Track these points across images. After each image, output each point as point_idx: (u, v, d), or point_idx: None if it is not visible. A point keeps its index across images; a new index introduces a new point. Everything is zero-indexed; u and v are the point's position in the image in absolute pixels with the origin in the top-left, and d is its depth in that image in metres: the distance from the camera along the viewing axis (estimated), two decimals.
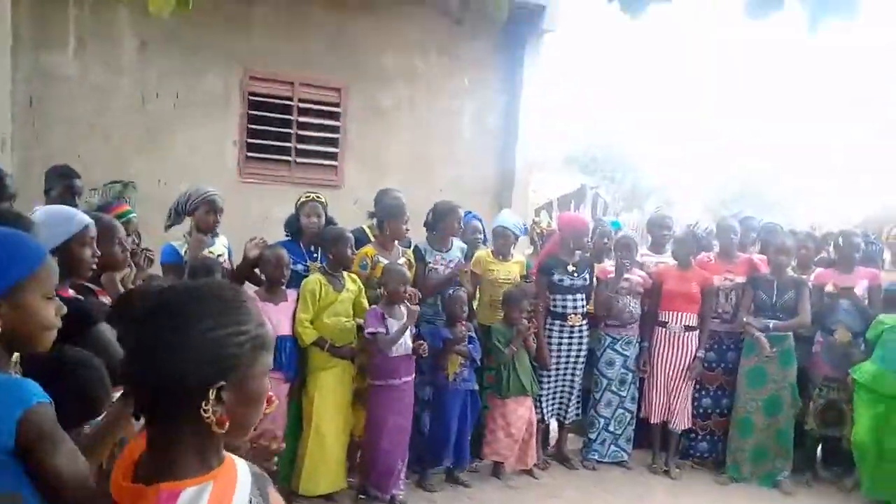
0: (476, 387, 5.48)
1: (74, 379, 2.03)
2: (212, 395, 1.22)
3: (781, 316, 5.83)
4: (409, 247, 5.64)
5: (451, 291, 5.41)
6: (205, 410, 1.22)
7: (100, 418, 2.13)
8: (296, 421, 4.97)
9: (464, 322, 5.33)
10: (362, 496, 5.07)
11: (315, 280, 4.92)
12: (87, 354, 2.18)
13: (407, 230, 5.54)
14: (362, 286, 5.17)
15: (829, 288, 6.03)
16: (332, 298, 4.94)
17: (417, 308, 4.97)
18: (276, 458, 1.43)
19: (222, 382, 1.23)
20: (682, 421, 6.04)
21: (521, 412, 5.58)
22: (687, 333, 5.99)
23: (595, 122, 23.75)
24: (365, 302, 5.14)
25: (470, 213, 6.14)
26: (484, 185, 8.29)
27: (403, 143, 8.04)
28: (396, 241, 5.49)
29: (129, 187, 4.72)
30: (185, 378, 1.21)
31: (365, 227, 5.68)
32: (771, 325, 5.79)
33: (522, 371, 5.60)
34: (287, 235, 5.24)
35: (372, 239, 5.54)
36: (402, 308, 4.98)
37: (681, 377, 6.00)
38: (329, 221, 5.26)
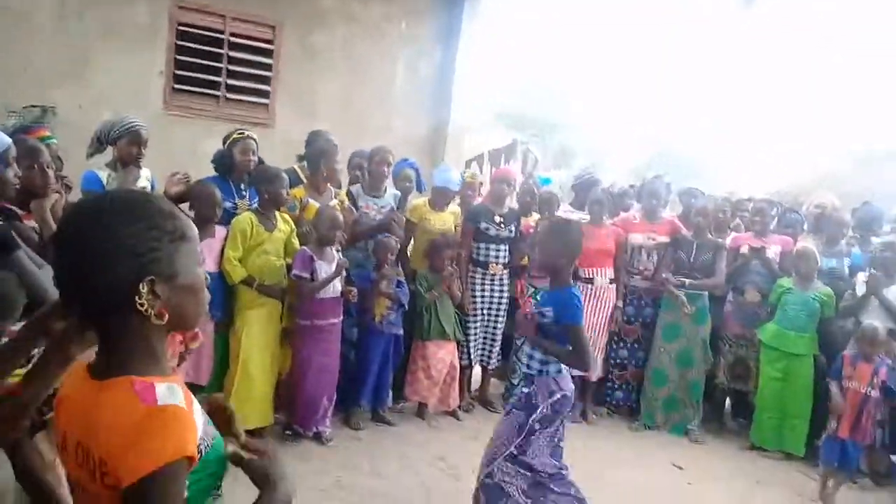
0: (401, 331, 5.55)
1: None
2: (143, 288, 1.28)
3: (698, 276, 6.09)
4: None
5: (380, 237, 5.43)
6: (140, 305, 1.28)
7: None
8: (223, 358, 4.93)
9: (389, 266, 5.40)
10: (288, 432, 5.10)
11: (246, 218, 4.84)
12: None
13: (339, 171, 5.50)
14: (294, 226, 5.11)
15: (743, 251, 6.31)
16: (262, 237, 4.87)
17: (345, 262, 5.02)
18: None
19: (151, 277, 1.29)
20: (597, 370, 6.26)
21: (441, 355, 5.71)
22: (608, 287, 6.20)
23: (527, 79, 23.79)
24: (296, 242, 5.09)
25: (405, 160, 6.13)
26: (417, 134, 8.23)
27: (336, 87, 7.89)
28: (329, 184, 5.43)
29: (48, 112, 4.46)
30: (113, 279, 1.27)
31: (296, 167, 5.60)
32: (686, 283, 6.04)
33: (444, 316, 5.73)
34: (216, 171, 5.11)
35: (304, 180, 5.46)
36: (333, 251, 4.97)
37: (602, 329, 6.21)
38: (259, 161, 5.16)
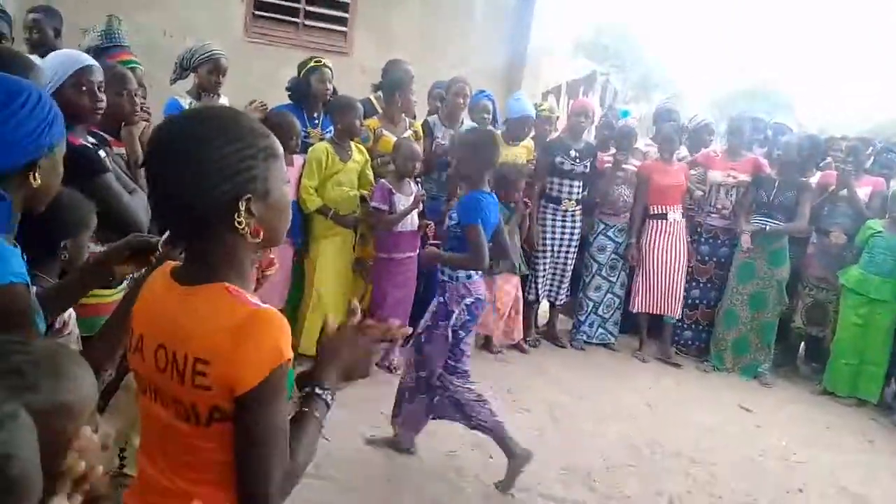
0: None
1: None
2: (241, 206, 1.30)
3: (778, 216, 5.88)
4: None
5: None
6: (238, 223, 1.30)
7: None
8: (298, 284, 5.08)
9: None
10: None
11: (322, 148, 4.90)
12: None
13: (415, 102, 5.48)
14: (368, 157, 5.15)
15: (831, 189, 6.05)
16: (337, 167, 4.93)
17: (423, 194, 5.06)
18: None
19: (248, 195, 1.30)
20: (674, 309, 6.19)
21: (507, 289, 5.72)
22: (680, 222, 6.13)
23: (608, 9, 22.99)
24: (370, 173, 5.14)
25: (483, 92, 6.04)
26: (494, 65, 8.07)
27: (414, 15, 7.77)
28: (404, 114, 5.43)
29: (113, 19, 4.47)
30: (212, 197, 1.28)
31: (372, 97, 5.60)
32: (767, 228, 5.86)
33: (512, 247, 5.69)
34: (290, 99, 5.16)
35: (378, 111, 5.47)
36: (411, 184, 5.01)
37: (678, 267, 6.12)
38: (333, 90, 5.18)
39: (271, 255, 2.47)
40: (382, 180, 5.01)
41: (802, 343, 6.48)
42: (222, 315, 1.27)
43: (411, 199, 4.97)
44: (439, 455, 4.01)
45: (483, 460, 3.97)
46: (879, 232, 5.62)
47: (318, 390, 1.42)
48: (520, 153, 5.88)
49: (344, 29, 7.57)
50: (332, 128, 5.06)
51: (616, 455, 4.33)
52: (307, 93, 5.11)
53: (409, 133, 5.34)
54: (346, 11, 7.53)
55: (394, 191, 4.93)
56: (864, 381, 5.71)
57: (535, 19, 8.14)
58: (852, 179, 5.96)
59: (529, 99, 6.38)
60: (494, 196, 3.77)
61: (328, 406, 1.43)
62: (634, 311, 6.24)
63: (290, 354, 1.28)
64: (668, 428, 4.84)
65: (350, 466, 3.73)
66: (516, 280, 5.81)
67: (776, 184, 5.91)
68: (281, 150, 1.39)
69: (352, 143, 5.03)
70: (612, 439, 4.55)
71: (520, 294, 5.86)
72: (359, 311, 1.54)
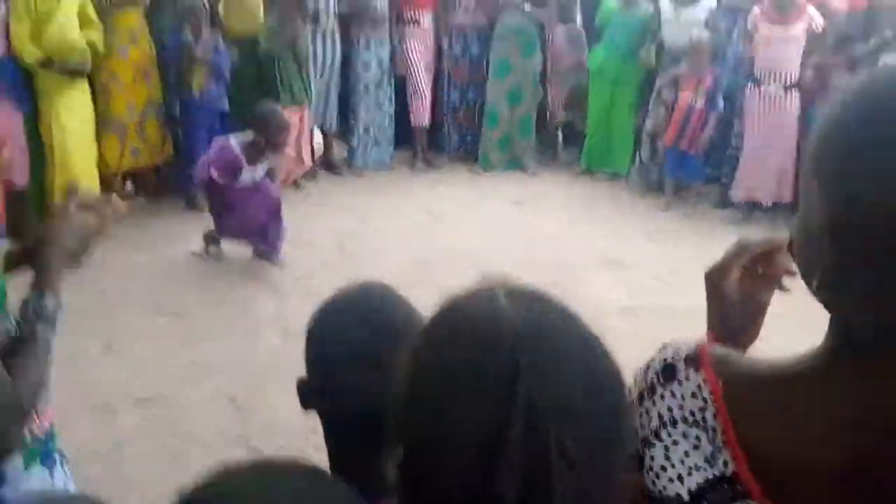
0: (227, 107, 5.22)
1: None
2: None
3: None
4: None
5: None
6: None
7: None
8: (39, 155, 4.53)
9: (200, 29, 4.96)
10: None
11: None
12: None
13: None
14: None
15: None
16: (50, 5, 4.28)
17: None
18: None
19: None
20: (425, 117, 6.25)
21: (294, 121, 5.44)
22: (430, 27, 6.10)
23: None
24: (91, 12, 4.52)
25: None
26: None
27: None
28: None
29: None
30: None
31: None
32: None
33: (294, 77, 5.42)
34: None
35: None
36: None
37: (424, 69, 6.14)
38: None
39: None
40: (231, 140, 4.32)
41: (559, 130, 6.89)
42: None
43: (260, 173, 4.37)
44: None
45: None
46: (616, 11, 5.92)
47: (38, 307, 1.22)
48: None
49: None
50: None
51: (405, 271, 4.43)
52: None
53: None
54: None
55: (244, 161, 4.25)
56: (616, 155, 6.25)
57: None
58: None
59: None
60: None
61: (54, 318, 1.24)
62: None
63: None
64: (448, 236, 5.07)
65: None
66: (302, 112, 5.57)
67: None
68: None
69: None
70: (399, 257, 4.64)
71: (305, 125, 5.65)
72: (78, 190, 1.36)
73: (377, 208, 5.48)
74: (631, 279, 4.55)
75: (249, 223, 4.34)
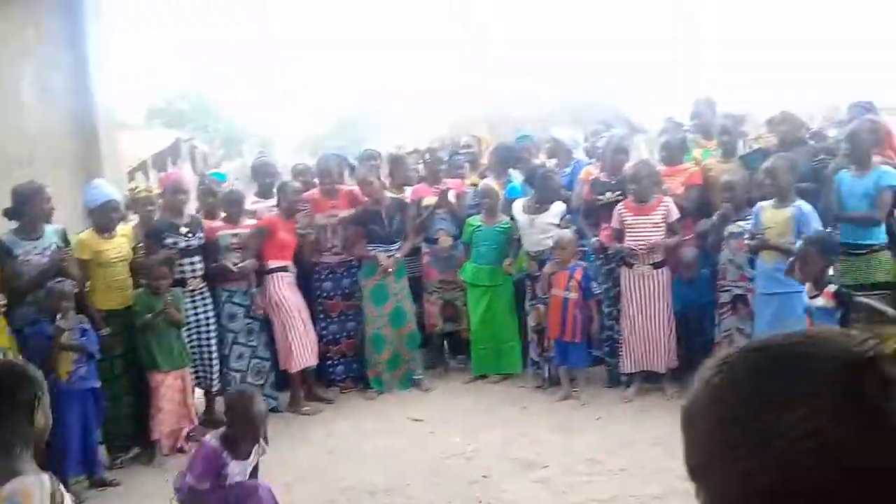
0: (98, 383, 4.98)
1: None
2: None
3: (396, 240, 6.33)
4: None
5: (49, 284, 4.79)
6: None
7: None
8: None
9: (67, 314, 4.76)
10: None
11: None
12: None
13: None
14: None
15: (426, 202, 6.59)
16: None
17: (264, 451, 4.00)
18: None
19: None
20: (312, 358, 6.17)
21: (177, 384, 5.42)
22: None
23: (173, 73, 22.59)
24: None
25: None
26: (62, 154, 7.33)
27: None
28: None
29: None
30: None
31: None
32: (395, 257, 6.26)
33: (173, 342, 5.38)
34: None
35: None
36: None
37: (299, 315, 6.11)
38: None
39: None
40: (212, 440, 3.76)
41: (444, 341, 6.98)
42: None
43: (248, 468, 3.82)
44: None
45: None
46: (479, 227, 6.30)
47: None
48: (122, 243, 5.40)
49: None
50: None
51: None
52: None
53: None
54: None
55: (227, 457, 3.69)
56: (505, 358, 6.39)
57: (97, 94, 7.57)
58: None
59: (110, 185, 5.87)
60: None
61: None
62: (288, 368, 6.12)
63: None
64: (350, 464, 4.86)
65: None
66: (183, 373, 5.46)
67: (382, 213, 6.27)
68: None
69: None
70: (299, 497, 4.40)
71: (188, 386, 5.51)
72: None
73: (269, 460, 5.15)
74: (550, 479, 4.46)
75: None
